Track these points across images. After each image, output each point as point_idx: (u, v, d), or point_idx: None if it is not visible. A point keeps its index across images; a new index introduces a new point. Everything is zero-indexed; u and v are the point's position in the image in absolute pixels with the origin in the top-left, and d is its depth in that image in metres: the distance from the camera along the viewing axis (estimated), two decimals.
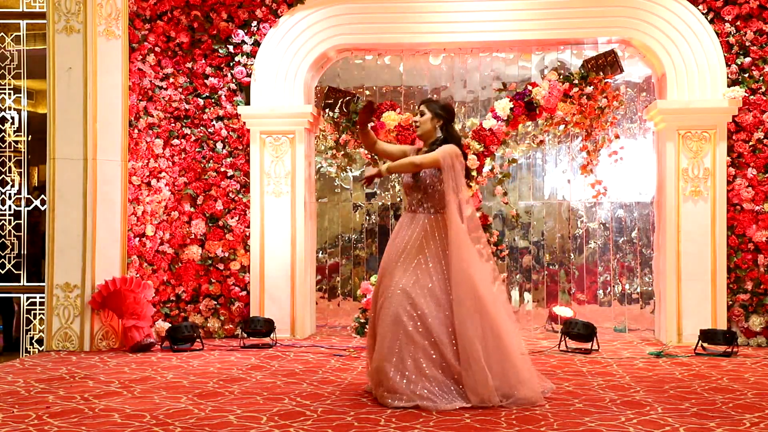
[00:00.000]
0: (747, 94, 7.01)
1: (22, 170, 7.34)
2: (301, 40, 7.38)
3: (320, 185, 7.98)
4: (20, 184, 7.32)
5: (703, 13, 7.10)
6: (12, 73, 7.36)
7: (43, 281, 6.73)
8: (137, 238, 7.06)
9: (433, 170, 4.67)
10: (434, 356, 4.45)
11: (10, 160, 7.36)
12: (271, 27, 7.39)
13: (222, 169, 7.41)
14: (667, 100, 7.14)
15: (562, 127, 7.42)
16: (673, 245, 7.06)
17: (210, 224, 7.39)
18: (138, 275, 6.92)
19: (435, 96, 7.79)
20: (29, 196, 7.32)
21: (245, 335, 6.96)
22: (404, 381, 4.41)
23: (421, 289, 4.55)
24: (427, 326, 4.48)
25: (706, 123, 7.03)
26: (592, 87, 7.16)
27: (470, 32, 7.40)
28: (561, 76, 7.23)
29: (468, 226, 4.65)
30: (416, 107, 4.83)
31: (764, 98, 7.03)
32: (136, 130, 7.09)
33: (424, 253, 4.64)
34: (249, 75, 7.40)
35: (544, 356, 6.34)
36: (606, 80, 7.20)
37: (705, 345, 6.55)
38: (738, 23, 7.10)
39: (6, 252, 7.27)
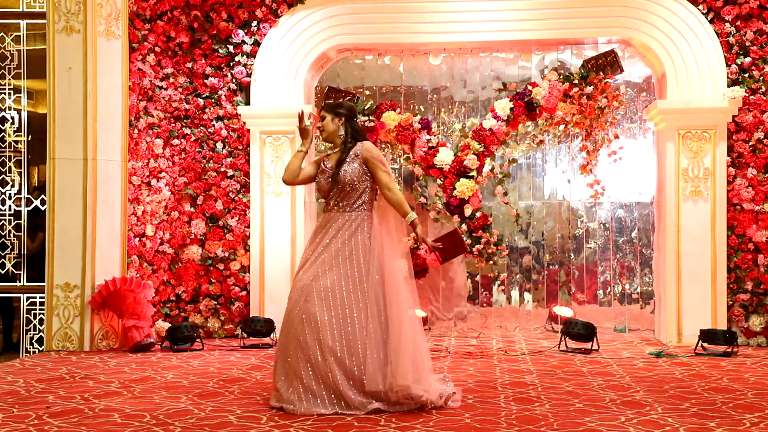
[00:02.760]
0: (747, 94, 7.01)
1: (22, 170, 7.33)
2: (301, 40, 7.38)
3: None
4: (20, 184, 7.32)
5: (703, 13, 7.10)
6: (12, 73, 7.36)
7: (43, 281, 6.73)
8: (137, 238, 7.06)
9: (355, 169, 4.60)
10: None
11: (10, 160, 7.36)
12: (271, 27, 7.39)
13: (222, 169, 7.41)
14: (667, 100, 7.14)
15: (562, 127, 7.41)
16: (673, 245, 7.06)
17: (210, 224, 7.39)
18: (138, 275, 6.92)
19: (435, 96, 7.79)
20: (29, 196, 7.31)
21: (245, 335, 6.96)
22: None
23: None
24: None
25: (706, 123, 7.03)
26: (592, 87, 7.16)
27: (470, 32, 7.40)
28: (561, 76, 7.22)
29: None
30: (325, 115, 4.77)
31: (764, 98, 7.03)
32: (136, 130, 7.09)
33: (337, 252, 4.56)
34: (249, 75, 7.40)
35: (545, 356, 6.34)
36: (606, 80, 7.19)
37: (705, 345, 6.55)
38: (738, 23, 7.10)
39: (6, 252, 7.27)
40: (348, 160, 4.64)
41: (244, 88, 7.44)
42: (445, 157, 7.24)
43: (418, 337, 4.53)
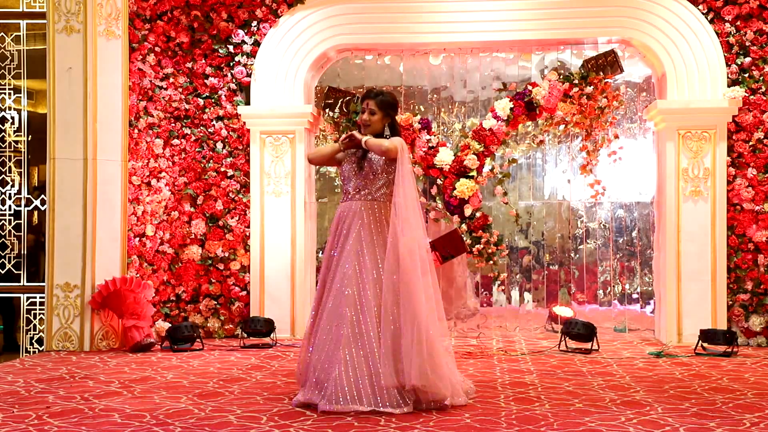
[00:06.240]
0: (747, 94, 7.01)
1: (22, 170, 7.34)
2: (301, 40, 7.38)
3: (320, 185, 7.98)
4: (20, 184, 7.32)
5: (703, 13, 7.10)
6: (12, 73, 7.36)
7: (43, 281, 6.73)
8: (137, 238, 7.06)
9: (383, 159, 4.66)
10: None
11: (10, 160, 7.36)
12: (271, 27, 7.39)
13: (222, 169, 7.41)
14: (667, 100, 7.14)
15: (562, 127, 7.41)
16: (673, 245, 7.06)
17: (210, 224, 7.39)
18: (138, 275, 6.92)
19: (435, 96, 7.79)
20: (29, 196, 7.32)
21: (245, 335, 6.96)
22: None
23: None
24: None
25: (706, 123, 7.04)
26: (592, 87, 7.16)
27: (470, 32, 7.40)
28: (561, 76, 7.23)
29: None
30: (363, 101, 4.78)
31: (764, 98, 7.03)
32: (136, 130, 7.10)
33: (360, 242, 4.59)
34: (249, 75, 7.40)
35: (545, 356, 6.34)
36: (606, 80, 7.20)
37: (705, 345, 6.55)
38: (738, 23, 7.10)
39: (6, 252, 7.27)
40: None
41: (244, 88, 7.44)
42: (445, 157, 7.24)
43: (433, 334, 4.44)
